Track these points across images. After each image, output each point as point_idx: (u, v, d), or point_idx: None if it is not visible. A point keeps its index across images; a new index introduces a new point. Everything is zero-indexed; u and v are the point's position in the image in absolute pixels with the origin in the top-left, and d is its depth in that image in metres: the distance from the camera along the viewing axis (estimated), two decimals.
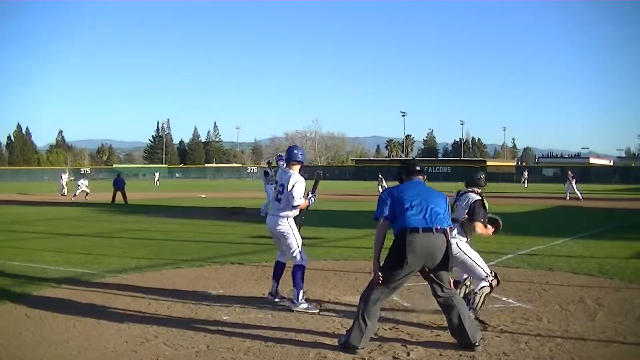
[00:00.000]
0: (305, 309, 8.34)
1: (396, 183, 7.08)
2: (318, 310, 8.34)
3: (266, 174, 26.10)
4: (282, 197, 8.68)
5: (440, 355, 6.39)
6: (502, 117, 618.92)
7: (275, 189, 9.00)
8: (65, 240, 17.06)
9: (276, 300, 8.82)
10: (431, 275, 6.59)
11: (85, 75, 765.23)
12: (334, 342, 6.78)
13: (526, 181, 68.19)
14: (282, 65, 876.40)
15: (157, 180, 74.57)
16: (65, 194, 44.28)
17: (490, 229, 8.13)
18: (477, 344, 6.50)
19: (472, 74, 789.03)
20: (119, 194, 35.62)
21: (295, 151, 8.98)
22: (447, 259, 6.53)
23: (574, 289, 9.66)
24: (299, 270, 8.56)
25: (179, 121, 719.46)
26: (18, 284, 10.10)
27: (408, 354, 6.40)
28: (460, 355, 6.38)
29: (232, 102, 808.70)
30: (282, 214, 8.66)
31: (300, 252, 8.63)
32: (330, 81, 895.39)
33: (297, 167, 8.89)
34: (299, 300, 8.42)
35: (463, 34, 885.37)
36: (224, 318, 7.92)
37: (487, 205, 8.13)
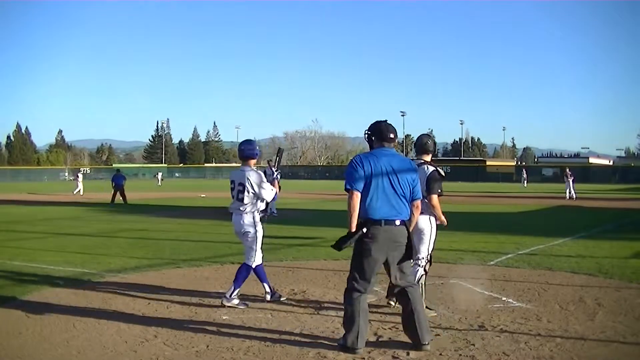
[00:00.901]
0: (237, 304, 8.42)
1: None
2: (246, 306, 8.45)
3: (265, 173, 26.13)
4: (246, 195, 8.60)
5: (440, 355, 6.38)
6: (502, 117, 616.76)
7: (232, 188, 8.86)
8: (65, 240, 17.07)
9: (280, 298, 8.87)
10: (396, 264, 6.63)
11: (85, 74, 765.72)
12: (334, 341, 6.78)
13: (525, 181, 68.22)
14: (281, 64, 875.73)
15: (161, 180, 74.80)
16: (82, 193, 44.55)
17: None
18: (427, 343, 6.48)
19: (472, 74, 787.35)
20: (118, 195, 35.40)
21: (249, 147, 8.89)
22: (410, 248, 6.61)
23: (573, 289, 9.65)
24: (245, 270, 8.60)
25: (179, 121, 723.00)
26: (18, 284, 10.11)
27: (408, 353, 6.38)
28: (460, 355, 6.37)
29: (231, 101, 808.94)
30: (247, 211, 8.61)
31: (256, 253, 8.66)
32: (330, 81, 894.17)
33: (252, 162, 8.86)
34: (232, 296, 8.45)
35: (463, 34, 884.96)
36: (224, 318, 7.91)
37: (443, 173, 8.16)
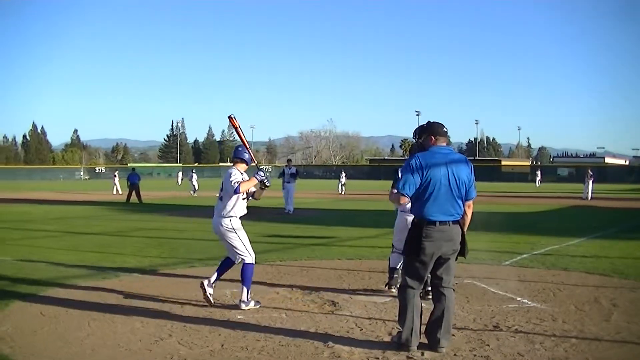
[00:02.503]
0: (253, 306, 8.39)
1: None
2: (260, 305, 8.45)
3: (284, 172, 26.31)
4: (223, 194, 8.61)
5: (455, 355, 6.36)
6: (517, 117, 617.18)
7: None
8: (80, 238, 17.16)
9: (207, 287, 8.62)
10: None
11: (101, 74, 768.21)
12: (348, 341, 6.79)
13: (539, 181, 67.95)
14: (296, 64, 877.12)
15: (181, 179, 75.13)
16: (120, 192, 44.92)
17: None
18: (443, 347, 6.47)
19: (487, 73, 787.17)
20: (133, 194, 35.46)
21: (240, 149, 8.87)
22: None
23: (588, 289, 9.60)
24: (247, 268, 8.55)
25: (194, 120, 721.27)
26: (33, 282, 10.14)
27: (422, 353, 6.36)
28: (475, 355, 6.35)
29: (246, 101, 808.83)
30: (224, 213, 8.58)
31: (247, 250, 8.62)
32: (345, 80, 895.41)
33: (241, 166, 8.77)
34: (248, 300, 8.42)
35: (478, 33, 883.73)
36: (238, 317, 7.91)
37: None
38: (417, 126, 7.00)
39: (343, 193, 46.46)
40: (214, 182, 53.63)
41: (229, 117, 8.98)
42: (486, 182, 65.67)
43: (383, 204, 28.62)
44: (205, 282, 8.66)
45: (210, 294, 8.57)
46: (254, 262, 8.65)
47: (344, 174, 49.66)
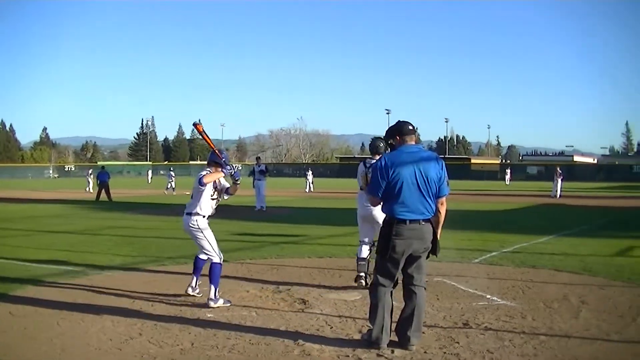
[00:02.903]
0: (222, 304, 8.42)
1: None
2: (230, 303, 8.48)
3: (253, 170, 26.39)
4: (193, 192, 8.71)
5: (425, 352, 6.39)
6: (487, 115, 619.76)
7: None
8: (49, 237, 17.02)
9: (194, 294, 8.93)
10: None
11: (70, 72, 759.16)
12: (318, 339, 6.81)
13: (509, 179, 68.43)
14: (266, 62, 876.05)
15: (151, 177, 74.95)
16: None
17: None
18: (413, 345, 6.50)
19: (457, 72, 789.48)
20: (103, 192, 35.15)
21: (211, 154, 8.89)
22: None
23: (557, 287, 9.69)
24: (215, 267, 8.60)
25: (164, 118, 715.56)
26: (1, 282, 10.04)
27: (392, 351, 6.37)
28: (445, 352, 6.39)
29: (216, 99, 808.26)
30: (191, 210, 8.67)
31: (214, 250, 8.68)
32: (315, 78, 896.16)
33: (213, 167, 8.80)
34: (216, 298, 8.44)
35: (448, 32, 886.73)
36: (209, 316, 7.90)
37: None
38: (387, 127, 7.01)
39: (311, 191, 46.84)
40: (184, 180, 53.51)
41: (194, 124, 9.08)
42: (456, 180, 66.00)
43: (353, 202, 28.69)
44: (189, 289, 8.91)
45: (198, 294, 8.86)
46: (221, 262, 8.68)
47: (310, 172, 50.28)
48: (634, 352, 6.60)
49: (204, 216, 8.67)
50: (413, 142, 6.71)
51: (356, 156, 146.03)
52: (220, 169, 8.65)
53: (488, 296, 9.00)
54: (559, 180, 39.21)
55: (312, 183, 48.64)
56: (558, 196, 38.14)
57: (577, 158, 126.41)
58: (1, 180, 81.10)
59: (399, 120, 6.81)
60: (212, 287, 8.43)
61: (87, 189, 47.44)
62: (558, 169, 40.99)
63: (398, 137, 6.70)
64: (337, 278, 10.46)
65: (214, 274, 8.50)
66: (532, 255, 13.01)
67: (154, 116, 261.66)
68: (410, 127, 6.73)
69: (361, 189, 9.67)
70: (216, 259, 8.63)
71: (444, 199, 6.75)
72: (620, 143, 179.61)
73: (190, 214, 8.65)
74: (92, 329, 7.29)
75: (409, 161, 6.51)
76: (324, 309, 8.28)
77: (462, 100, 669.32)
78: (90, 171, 52.39)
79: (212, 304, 8.36)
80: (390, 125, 6.92)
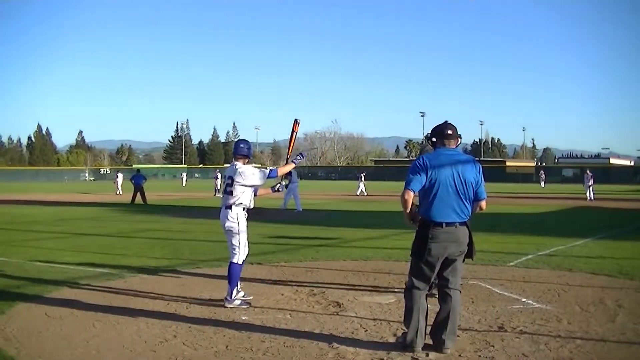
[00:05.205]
0: (239, 305, 8.45)
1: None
2: (249, 305, 8.50)
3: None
4: (234, 188, 8.63)
5: (459, 356, 6.35)
6: (522, 117, 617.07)
7: (224, 182, 8.94)
8: (84, 240, 17.16)
9: (247, 299, 8.81)
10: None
11: (105, 75, 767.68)
12: (353, 342, 6.79)
13: (543, 181, 67.88)
14: (301, 65, 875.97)
15: (185, 180, 75.48)
16: (121, 193, 46.02)
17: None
18: (448, 348, 6.46)
19: (492, 74, 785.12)
20: (138, 195, 35.46)
21: (241, 145, 8.91)
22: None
23: (594, 290, 9.58)
24: (235, 268, 8.60)
25: (198, 121, 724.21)
26: (38, 284, 10.16)
27: (427, 354, 6.35)
28: (480, 356, 6.34)
29: (251, 102, 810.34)
30: (233, 206, 8.64)
31: (239, 250, 8.67)
32: (350, 81, 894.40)
33: (242, 161, 8.80)
34: (232, 297, 8.48)
35: (482, 34, 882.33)
36: (243, 318, 7.91)
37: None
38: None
39: (363, 194, 45.04)
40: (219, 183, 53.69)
41: (296, 121, 9.30)
42: (491, 182, 65.64)
43: (388, 205, 28.64)
44: (227, 304, 8.59)
45: (240, 301, 8.66)
46: (241, 263, 8.70)
47: (363, 175, 48.14)
48: None
49: (244, 209, 8.70)
50: (453, 146, 6.68)
51: (391, 159, 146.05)
52: (292, 161, 8.98)
53: (523, 299, 8.93)
54: (589, 182, 38.78)
55: (365, 187, 46.70)
56: (591, 199, 37.71)
57: (613, 160, 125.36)
58: (38, 183, 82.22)
59: (445, 122, 6.78)
60: (230, 288, 8.49)
61: (118, 192, 47.92)
62: (588, 171, 40.61)
63: (439, 139, 6.68)
64: (372, 281, 10.43)
65: (232, 274, 8.55)
66: (568, 258, 12.88)
67: (188, 119, 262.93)
68: (450, 132, 6.69)
69: None
70: (236, 259, 8.65)
71: (483, 202, 6.70)
72: None
73: (232, 204, 8.64)
74: (126, 331, 7.34)
75: (446, 163, 6.47)
76: (359, 311, 8.25)
77: (497, 102, 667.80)
78: (118, 173, 53.06)
79: (227, 304, 8.43)
80: (435, 125, 6.89)
